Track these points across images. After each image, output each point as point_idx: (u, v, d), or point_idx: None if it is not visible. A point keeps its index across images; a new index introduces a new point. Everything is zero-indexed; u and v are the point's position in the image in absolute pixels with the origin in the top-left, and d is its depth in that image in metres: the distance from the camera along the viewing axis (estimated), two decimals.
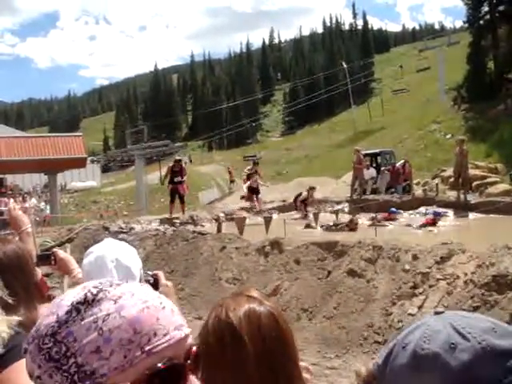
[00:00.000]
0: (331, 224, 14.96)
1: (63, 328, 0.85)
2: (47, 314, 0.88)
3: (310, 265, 9.95)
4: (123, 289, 0.90)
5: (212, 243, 12.23)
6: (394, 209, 16.00)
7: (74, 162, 29.65)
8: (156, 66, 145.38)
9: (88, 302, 0.86)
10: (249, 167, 21.64)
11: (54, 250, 2.04)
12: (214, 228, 15.30)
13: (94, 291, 0.88)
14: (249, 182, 20.26)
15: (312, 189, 19.24)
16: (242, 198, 20.51)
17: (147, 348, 0.85)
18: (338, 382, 6.74)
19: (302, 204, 18.51)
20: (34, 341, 0.86)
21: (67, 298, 0.89)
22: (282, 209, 20.10)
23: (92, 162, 49.06)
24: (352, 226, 14.28)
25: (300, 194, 19.03)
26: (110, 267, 1.90)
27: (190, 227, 15.48)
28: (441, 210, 15.67)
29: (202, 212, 20.71)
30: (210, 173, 57.92)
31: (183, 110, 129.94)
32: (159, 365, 0.85)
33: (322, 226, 15.25)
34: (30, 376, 0.87)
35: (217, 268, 11.16)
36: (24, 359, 0.89)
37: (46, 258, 2.15)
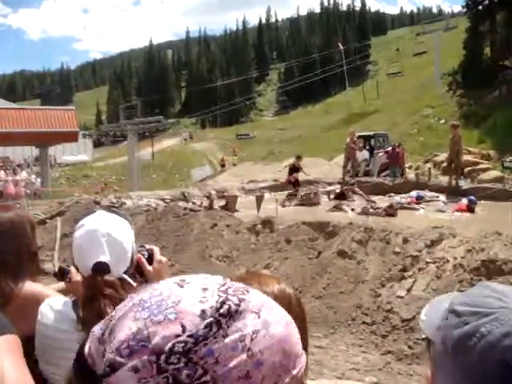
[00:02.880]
0: (368, 207, 13.98)
1: (201, 345, 0.64)
2: (159, 321, 0.66)
3: (301, 244, 9.98)
4: (258, 297, 0.72)
5: (203, 220, 12.24)
6: (420, 193, 15.45)
7: (66, 135, 29.42)
8: (151, 41, 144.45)
9: (231, 314, 0.67)
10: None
11: (71, 268, 2.01)
12: (205, 205, 15.30)
13: (236, 300, 0.69)
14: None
15: (298, 157, 19.22)
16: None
17: (294, 372, 0.70)
18: (325, 361, 6.79)
19: (290, 177, 18.31)
20: (146, 356, 0.65)
21: (191, 301, 0.68)
22: (273, 188, 20.11)
23: (84, 136, 48.73)
24: (391, 212, 13.21)
25: (293, 169, 18.82)
26: (102, 241, 1.88)
27: (182, 203, 15.48)
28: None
29: (194, 189, 20.69)
30: (203, 150, 57.83)
31: (177, 87, 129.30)
32: None
33: (352, 210, 14.32)
34: None
35: (207, 245, 11.18)
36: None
37: (62, 274, 2.12)
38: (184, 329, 0.65)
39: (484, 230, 8.42)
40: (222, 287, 0.71)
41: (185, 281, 0.72)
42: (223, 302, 0.68)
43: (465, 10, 38.79)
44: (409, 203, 14.64)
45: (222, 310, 0.67)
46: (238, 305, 0.69)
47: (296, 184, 18.15)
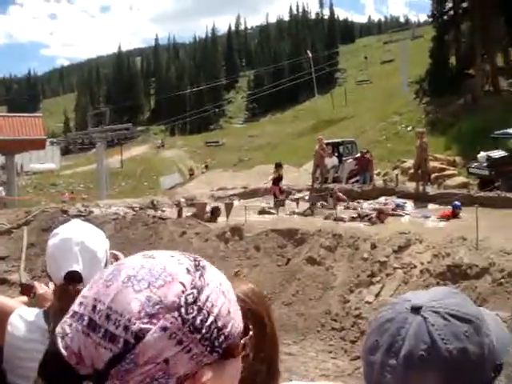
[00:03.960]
0: (355, 216, 13.55)
1: (202, 294, 0.80)
2: (161, 284, 0.78)
3: (270, 252, 10.00)
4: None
5: (172, 228, 12.17)
6: (400, 201, 15.34)
7: (33, 143, 28.96)
8: (119, 47, 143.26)
9: (204, 268, 0.83)
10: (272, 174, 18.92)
11: (34, 283, 2.00)
12: (174, 213, 15.21)
13: (200, 258, 0.86)
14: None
15: (280, 166, 18.91)
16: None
17: (239, 308, 0.88)
18: (294, 368, 6.81)
19: (275, 188, 17.99)
20: (169, 314, 0.76)
21: (174, 265, 0.82)
22: (243, 195, 20.10)
23: (52, 143, 48.09)
24: (381, 218, 12.82)
25: (276, 179, 18.44)
26: (75, 250, 1.87)
27: (151, 212, 15.37)
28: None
29: (164, 197, 20.56)
30: (172, 158, 57.52)
31: (146, 94, 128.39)
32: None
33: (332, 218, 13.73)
34: (147, 364, 0.74)
35: None
36: None
37: (26, 289, 2.10)
38: (184, 285, 0.79)
39: (450, 235, 8.56)
40: (179, 252, 0.86)
41: (150, 255, 0.84)
42: (195, 260, 0.84)
43: (431, 19, 39.51)
44: (393, 209, 14.61)
45: (200, 265, 0.83)
46: (201, 261, 0.85)
47: (281, 194, 17.85)
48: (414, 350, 0.87)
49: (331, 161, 21.51)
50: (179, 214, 14.78)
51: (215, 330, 0.79)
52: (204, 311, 0.79)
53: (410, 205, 15.73)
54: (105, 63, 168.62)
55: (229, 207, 14.68)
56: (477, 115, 29.60)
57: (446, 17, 37.14)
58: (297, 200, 17.53)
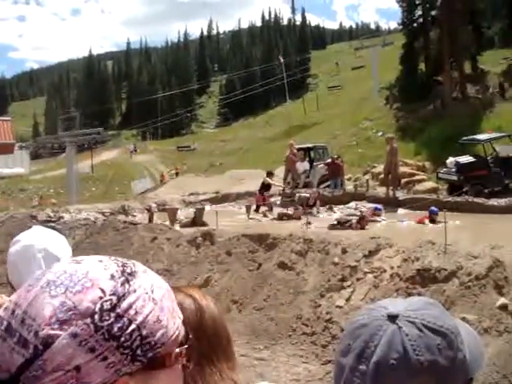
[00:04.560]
0: (335, 223, 13.34)
1: (122, 301, 0.78)
2: (78, 290, 0.76)
3: (241, 257, 9.99)
4: (138, 263, 0.89)
5: (143, 234, 12.07)
6: (379, 206, 15.20)
7: (1, 147, 28.45)
8: (90, 51, 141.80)
9: (133, 274, 0.82)
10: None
11: None
12: (145, 218, 15.11)
13: (131, 263, 0.85)
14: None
15: (270, 174, 18.80)
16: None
17: (180, 315, 0.88)
18: (265, 373, 6.80)
19: (259, 197, 17.76)
20: (82, 320, 0.74)
21: (97, 271, 0.80)
22: (214, 200, 20.06)
23: (20, 148, 47.43)
24: (362, 224, 12.85)
25: (263, 187, 18.25)
26: (38, 257, 1.83)
27: (121, 217, 15.24)
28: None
29: (135, 202, 20.40)
30: (144, 163, 57.13)
31: (117, 98, 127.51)
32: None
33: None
34: (56, 370, 0.73)
35: (147, 259, 11.02)
36: None
37: None
38: (103, 291, 0.78)
39: (418, 239, 8.66)
40: (110, 258, 0.85)
41: (77, 260, 0.83)
42: (124, 266, 0.83)
43: (401, 27, 40.07)
44: (373, 214, 14.60)
45: (127, 271, 0.82)
46: (134, 266, 0.84)
47: (263, 202, 17.60)
48: (385, 357, 0.87)
49: (302, 166, 21.59)
50: (150, 219, 14.69)
51: (138, 338, 0.77)
52: (124, 319, 0.77)
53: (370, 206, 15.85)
54: (75, 67, 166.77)
55: (200, 212, 14.65)
56: (446, 121, 30.08)
57: (415, 24, 37.69)
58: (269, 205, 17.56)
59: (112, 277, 0.80)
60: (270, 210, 16.81)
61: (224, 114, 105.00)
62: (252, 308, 8.66)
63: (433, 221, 13.25)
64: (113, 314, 0.76)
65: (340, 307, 7.92)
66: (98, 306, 0.76)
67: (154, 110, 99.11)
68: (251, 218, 15.61)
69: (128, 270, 0.82)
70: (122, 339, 0.76)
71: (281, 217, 15.07)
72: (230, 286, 9.41)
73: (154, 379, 0.80)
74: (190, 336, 0.90)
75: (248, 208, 16.31)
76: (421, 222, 13.35)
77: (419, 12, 37.21)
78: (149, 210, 16.49)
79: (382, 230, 12.15)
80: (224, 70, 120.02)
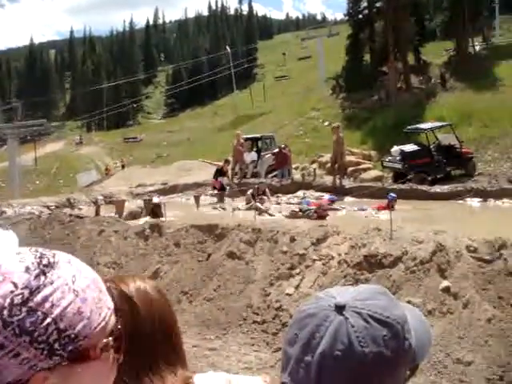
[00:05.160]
0: (296, 210, 13.31)
1: (36, 294, 0.75)
2: None
3: (190, 247, 9.94)
4: (64, 253, 0.85)
5: (90, 227, 11.86)
6: (332, 196, 15.22)
7: None
8: (32, 40, 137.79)
9: (51, 265, 0.79)
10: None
11: None
12: (92, 211, 14.85)
13: (50, 254, 0.82)
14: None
15: (226, 161, 18.83)
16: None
17: (109, 305, 0.85)
18: (218, 363, 6.81)
19: (215, 182, 17.69)
20: None
21: (12, 264, 0.77)
22: (162, 192, 19.88)
23: None
24: (321, 213, 12.79)
25: (218, 172, 18.19)
26: None
27: (67, 210, 14.92)
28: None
29: (80, 195, 20.01)
30: (89, 155, 56.07)
31: (61, 88, 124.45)
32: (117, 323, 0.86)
33: (277, 212, 13.77)
34: None
35: (95, 252, 10.84)
36: None
37: None
38: (16, 285, 0.75)
39: (366, 227, 8.81)
40: (30, 249, 0.83)
41: None
42: (41, 257, 0.80)
43: (346, 18, 40.55)
44: (328, 204, 14.62)
45: (44, 262, 0.79)
46: (54, 257, 0.81)
47: (220, 189, 17.67)
48: (330, 349, 0.87)
49: (250, 156, 21.64)
50: (97, 212, 14.44)
51: (54, 332, 0.74)
52: (38, 312, 0.74)
53: (326, 197, 16.05)
54: (16, 56, 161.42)
55: (148, 204, 14.50)
56: (390, 111, 30.71)
57: (360, 16, 38.24)
58: (216, 195, 17.55)
59: (27, 269, 0.77)
60: (222, 200, 16.85)
61: (171, 104, 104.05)
62: (202, 299, 8.65)
63: (392, 207, 13.47)
64: (24, 309, 0.74)
65: (289, 295, 7.99)
66: (8, 300, 0.73)
67: (100, 101, 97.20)
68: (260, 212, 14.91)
69: (45, 262, 0.79)
70: (36, 334, 0.73)
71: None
72: (179, 277, 9.36)
73: (77, 373, 0.78)
74: (119, 326, 0.87)
75: (197, 199, 16.24)
76: (380, 209, 13.51)
77: (364, 3, 37.76)
78: (95, 202, 16.23)
79: (363, 220, 12.05)
80: (171, 60, 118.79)
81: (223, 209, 15.17)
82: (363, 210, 13.90)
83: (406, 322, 0.93)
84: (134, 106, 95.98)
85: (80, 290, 0.79)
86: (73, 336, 0.76)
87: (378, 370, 0.87)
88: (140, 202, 16.04)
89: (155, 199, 15.80)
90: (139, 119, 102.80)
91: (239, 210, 14.52)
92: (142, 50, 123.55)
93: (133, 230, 11.25)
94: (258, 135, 25.50)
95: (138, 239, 10.82)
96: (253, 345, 7.42)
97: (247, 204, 14.98)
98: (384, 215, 11.82)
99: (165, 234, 10.61)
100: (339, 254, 8.31)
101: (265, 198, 15.77)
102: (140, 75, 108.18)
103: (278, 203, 15.55)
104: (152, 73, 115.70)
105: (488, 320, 6.48)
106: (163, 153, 50.92)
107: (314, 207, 13.36)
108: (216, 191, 17.64)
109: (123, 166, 46.09)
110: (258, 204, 14.39)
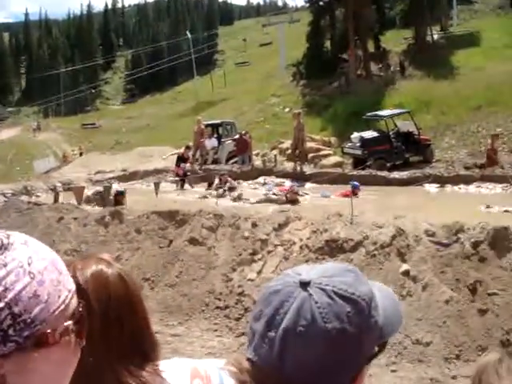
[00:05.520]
0: (266, 195, 13.52)
1: None
2: None
3: (152, 234, 9.87)
4: (21, 234, 0.81)
5: (49, 214, 11.65)
6: (295, 182, 15.24)
7: None
8: None
9: (5, 247, 0.75)
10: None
11: None
12: (50, 198, 14.57)
13: (5, 235, 0.77)
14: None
15: (188, 147, 18.60)
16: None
17: (70, 287, 0.81)
18: (180, 349, 6.81)
19: (178, 168, 17.48)
20: None
21: None
22: (122, 178, 19.65)
23: None
24: (292, 197, 13.00)
25: (180, 158, 17.98)
26: None
27: (25, 198, 14.63)
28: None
29: (38, 182, 19.62)
30: (46, 141, 54.87)
31: (16, 73, 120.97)
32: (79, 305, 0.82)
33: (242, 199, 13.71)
34: None
35: (54, 240, 10.65)
36: None
37: None
38: None
39: (327, 212, 8.90)
40: None
41: None
42: None
43: (307, 4, 40.57)
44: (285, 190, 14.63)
45: None
46: (8, 238, 0.77)
47: (183, 175, 17.50)
48: (293, 325, 0.87)
49: (211, 142, 21.55)
50: (55, 199, 14.18)
51: (8, 317, 0.71)
52: None
53: (288, 183, 16.12)
54: None
55: (107, 190, 14.30)
56: (350, 98, 30.98)
57: (321, 3, 38.29)
58: (177, 181, 17.46)
59: None
60: (182, 187, 16.78)
61: (130, 90, 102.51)
62: (164, 285, 8.61)
63: (355, 194, 13.60)
64: None
65: (252, 280, 8.03)
66: None
67: (57, 86, 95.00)
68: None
69: (4, 242, 0.76)
70: None
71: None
72: (140, 263, 9.29)
73: (34, 359, 0.75)
74: (81, 309, 0.84)
75: (157, 185, 16.11)
76: (344, 196, 13.59)
77: None
78: (54, 189, 15.93)
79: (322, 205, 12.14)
80: (130, 45, 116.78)
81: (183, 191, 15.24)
82: (326, 196, 14.02)
83: (373, 299, 0.94)
84: (93, 91, 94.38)
85: (36, 273, 0.75)
86: (29, 321, 0.73)
87: (341, 346, 0.87)
88: (99, 189, 15.82)
89: (115, 186, 15.61)
90: (98, 105, 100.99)
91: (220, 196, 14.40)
92: (100, 35, 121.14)
93: (93, 216, 11.09)
94: (218, 121, 25.37)
95: (98, 226, 10.68)
96: (215, 330, 7.45)
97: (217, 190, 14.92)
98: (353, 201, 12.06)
99: (125, 220, 10.50)
100: (301, 239, 8.38)
101: (234, 183, 15.75)
102: (98, 60, 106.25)
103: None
104: (111, 58, 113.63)
105: (446, 302, 6.64)
106: (122, 139, 50.23)
107: (283, 192, 13.50)
108: (178, 178, 17.55)
109: (81, 154, 45.23)
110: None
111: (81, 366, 0.87)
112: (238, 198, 13.75)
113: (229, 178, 16.14)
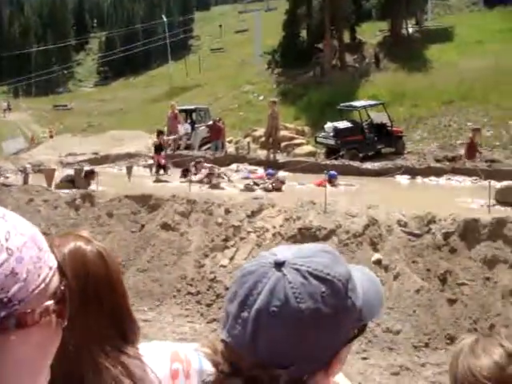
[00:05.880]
0: (252, 183, 13.53)
1: None
2: None
3: (124, 218, 9.80)
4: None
5: (18, 195, 11.46)
6: (270, 170, 15.13)
7: None
8: None
9: None
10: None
11: None
12: (19, 180, 14.33)
13: None
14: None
15: (161, 133, 18.26)
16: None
17: (51, 265, 0.77)
18: (151, 334, 6.78)
19: (159, 156, 17.18)
20: None
21: None
22: (94, 161, 19.40)
23: None
24: (278, 186, 13.14)
25: (159, 147, 17.72)
26: None
27: None
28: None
29: (7, 163, 19.27)
30: (17, 121, 53.87)
31: None
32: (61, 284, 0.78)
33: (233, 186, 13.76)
34: None
35: None
36: None
37: None
38: None
39: (301, 199, 8.93)
40: None
41: None
42: None
43: None
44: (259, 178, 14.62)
45: None
46: None
47: (164, 165, 17.11)
48: (266, 305, 0.86)
49: (184, 128, 21.40)
50: (25, 181, 13.94)
51: None
52: None
53: (261, 171, 16.14)
54: None
55: (78, 173, 14.11)
56: (325, 87, 31.04)
57: None
58: (150, 166, 17.29)
59: None
60: (165, 170, 16.58)
61: (103, 72, 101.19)
62: (136, 270, 8.57)
63: (332, 184, 13.70)
64: None
65: (224, 266, 8.04)
66: None
67: (28, 66, 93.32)
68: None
69: None
70: None
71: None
72: (112, 248, 9.20)
73: (12, 341, 0.70)
74: (63, 288, 0.79)
75: (129, 169, 15.94)
76: (320, 185, 13.63)
77: None
78: (23, 171, 15.65)
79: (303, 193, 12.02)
80: (104, 27, 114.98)
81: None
82: (302, 184, 14.08)
83: (350, 280, 0.93)
84: (65, 72, 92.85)
85: (15, 249, 0.70)
86: (6, 300, 0.68)
87: (315, 327, 0.87)
88: (70, 173, 15.59)
89: (86, 169, 15.41)
90: (70, 86, 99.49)
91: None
92: (73, 15, 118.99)
93: (63, 199, 10.95)
94: (192, 107, 25.20)
95: (69, 209, 10.56)
96: (187, 316, 7.44)
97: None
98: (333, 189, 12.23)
99: (97, 204, 10.39)
100: (274, 227, 8.40)
101: (215, 169, 15.61)
102: (71, 41, 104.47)
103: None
104: (84, 39, 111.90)
105: (416, 291, 6.74)
106: (95, 122, 49.55)
107: (268, 180, 13.52)
108: (159, 166, 17.04)
109: (51, 136, 44.37)
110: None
111: (58, 346, 0.84)
112: (217, 186, 13.70)
113: (206, 164, 16.02)
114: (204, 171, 15.35)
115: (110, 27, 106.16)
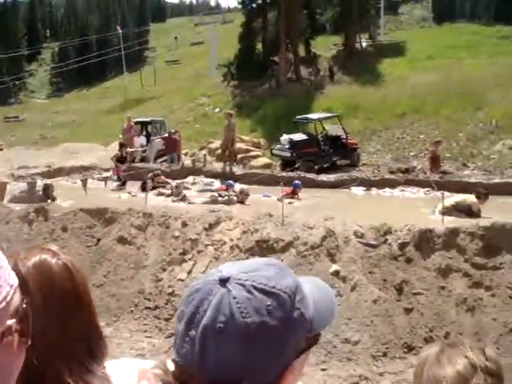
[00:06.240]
0: (216, 195, 13.49)
1: None
2: None
3: (79, 232, 9.62)
4: None
5: None
6: (230, 182, 15.00)
7: None
8: None
9: None
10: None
11: None
12: None
13: None
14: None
15: (123, 145, 18.08)
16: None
17: (12, 282, 0.74)
18: (109, 350, 6.64)
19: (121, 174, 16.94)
20: None
21: None
22: (47, 174, 19.02)
23: None
24: (242, 198, 13.27)
25: (120, 158, 17.50)
26: None
27: None
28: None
29: None
30: None
31: None
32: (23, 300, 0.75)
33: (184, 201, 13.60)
34: None
35: None
36: None
37: None
38: None
39: (258, 212, 8.96)
40: None
41: None
42: None
43: (240, 6, 40.71)
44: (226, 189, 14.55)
45: None
46: None
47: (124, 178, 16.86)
48: (212, 322, 0.87)
49: (139, 140, 21.23)
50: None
51: None
52: None
53: (217, 183, 16.13)
54: None
55: (31, 186, 13.81)
56: (280, 100, 31.32)
57: (254, 5, 38.51)
58: (105, 179, 17.06)
59: None
60: (123, 184, 16.42)
61: (56, 83, 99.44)
62: (91, 285, 8.39)
63: (295, 194, 13.81)
64: None
65: (182, 280, 7.97)
66: None
67: None
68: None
69: None
70: None
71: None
72: None
73: None
74: (25, 306, 0.77)
75: (84, 182, 15.69)
76: (288, 195, 13.59)
77: None
78: None
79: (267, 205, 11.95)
80: (57, 37, 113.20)
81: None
82: (268, 196, 14.11)
83: (298, 291, 0.93)
84: (16, 83, 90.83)
85: None
86: None
87: (262, 340, 0.87)
88: (23, 185, 15.23)
89: (39, 183, 15.09)
90: (21, 98, 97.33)
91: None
92: (25, 24, 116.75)
93: (16, 213, 10.68)
94: (148, 119, 25.02)
95: (22, 223, 10.29)
96: (145, 331, 7.35)
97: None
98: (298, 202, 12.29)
99: (51, 217, 10.17)
100: (231, 239, 8.39)
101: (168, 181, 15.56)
102: (23, 51, 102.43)
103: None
104: (36, 49, 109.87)
105: (374, 301, 6.83)
106: (47, 134, 48.65)
107: (232, 192, 13.58)
108: (120, 181, 16.88)
109: (1, 149, 43.18)
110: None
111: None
112: (182, 199, 13.64)
113: (163, 177, 16.00)
114: (172, 184, 15.31)
115: (63, 37, 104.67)
